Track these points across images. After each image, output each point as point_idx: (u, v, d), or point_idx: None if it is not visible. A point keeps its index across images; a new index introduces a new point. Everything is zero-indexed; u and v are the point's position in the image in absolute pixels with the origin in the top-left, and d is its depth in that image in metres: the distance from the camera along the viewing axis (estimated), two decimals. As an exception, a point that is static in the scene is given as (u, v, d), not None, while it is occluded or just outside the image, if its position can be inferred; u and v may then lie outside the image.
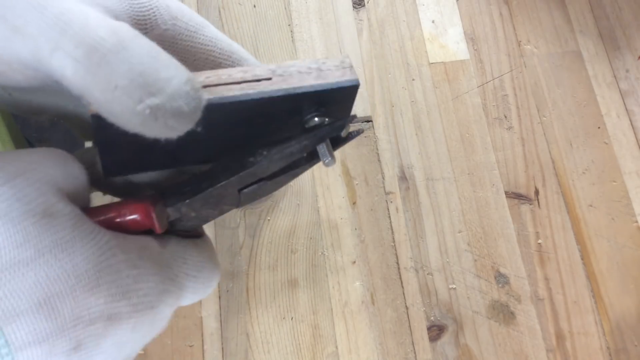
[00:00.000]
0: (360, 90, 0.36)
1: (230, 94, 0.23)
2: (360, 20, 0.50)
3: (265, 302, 0.41)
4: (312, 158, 0.26)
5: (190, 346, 0.40)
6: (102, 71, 0.17)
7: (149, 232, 0.22)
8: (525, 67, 0.49)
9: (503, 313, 0.42)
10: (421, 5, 0.51)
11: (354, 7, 0.50)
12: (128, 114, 0.18)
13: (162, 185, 0.25)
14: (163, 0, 0.23)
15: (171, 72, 0.18)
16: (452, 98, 0.48)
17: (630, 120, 0.48)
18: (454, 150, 0.46)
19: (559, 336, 0.41)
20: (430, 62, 0.49)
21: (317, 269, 0.42)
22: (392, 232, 0.43)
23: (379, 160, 0.45)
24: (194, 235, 0.25)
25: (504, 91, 0.48)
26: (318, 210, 0.44)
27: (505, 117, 0.47)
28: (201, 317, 0.41)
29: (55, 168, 0.19)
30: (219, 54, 0.25)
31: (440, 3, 0.51)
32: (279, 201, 0.44)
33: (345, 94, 0.25)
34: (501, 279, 0.43)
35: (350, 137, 0.26)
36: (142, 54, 0.18)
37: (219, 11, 0.50)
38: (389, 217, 0.44)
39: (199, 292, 0.23)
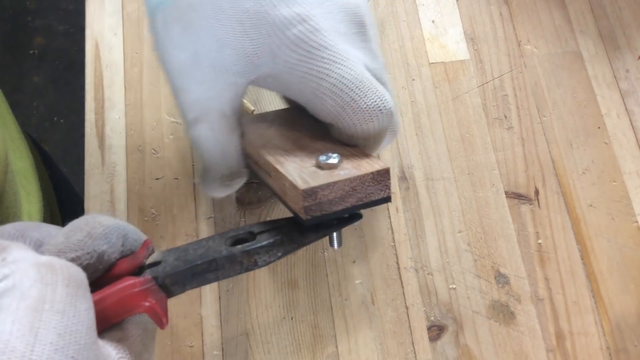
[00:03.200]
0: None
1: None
2: (360, 20, 0.49)
3: (265, 302, 0.41)
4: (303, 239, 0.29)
5: (190, 346, 0.40)
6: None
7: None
8: (525, 67, 0.49)
9: (503, 313, 0.42)
10: (421, 5, 0.51)
11: (354, 7, 0.50)
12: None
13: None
14: None
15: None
16: (452, 98, 0.48)
17: (630, 120, 0.48)
18: (454, 150, 0.46)
19: (559, 336, 0.41)
20: (430, 62, 0.49)
21: (317, 269, 0.42)
22: (392, 232, 0.43)
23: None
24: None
25: (504, 91, 0.48)
26: (318, 210, 0.44)
27: (505, 117, 0.47)
28: (201, 317, 0.41)
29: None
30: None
31: (440, 3, 0.51)
32: (279, 201, 0.44)
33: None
34: (501, 279, 0.43)
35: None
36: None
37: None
38: (389, 217, 0.44)
39: None
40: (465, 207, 0.44)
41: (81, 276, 0.20)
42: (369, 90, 0.30)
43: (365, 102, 0.30)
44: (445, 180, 0.45)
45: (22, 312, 0.17)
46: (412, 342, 0.41)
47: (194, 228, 0.43)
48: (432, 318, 0.41)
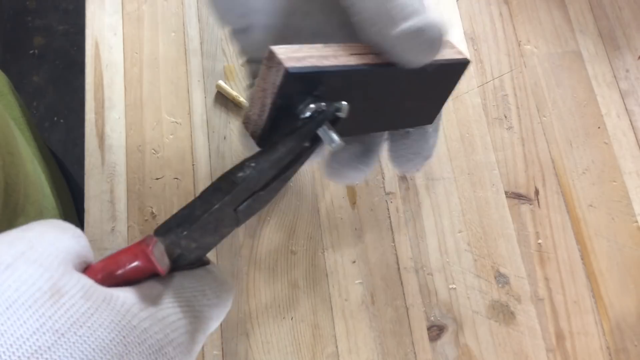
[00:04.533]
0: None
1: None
2: (360, 20, 0.49)
3: (265, 302, 0.41)
4: (300, 156, 0.25)
5: (190, 346, 0.40)
6: None
7: (156, 275, 0.21)
8: (525, 67, 0.49)
9: (503, 313, 0.42)
10: (421, 5, 0.51)
11: (354, 7, 0.50)
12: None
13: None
14: None
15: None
16: (452, 98, 0.48)
17: (630, 120, 0.48)
18: (454, 150, 0.46)
19: (559, 336, 0.41)
20: (430, 62, 0.49)
21: (317, 269, 0.42)
22: (392, 232, 0.43)
23: (379, 161, 0.45)
24: (201, 265, 0.24)
25: (504, 91, 0.48)
26: (318, 211, 0.44)
27: (505, 117, 0.47)
28: (201, 317, 0.41)
29: (55, 240, 0.19)
30: None
31: (440, 3, 0.51)
32: (279, 201, 0.44)
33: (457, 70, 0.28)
34: (501, 279, 0.43)
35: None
36: None
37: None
38: (389, 217, 0.44)
39: (221, 316, 0.22)
40: (465, 207, 0.44)
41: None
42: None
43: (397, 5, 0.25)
44: (445, 180, 0.45)
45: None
46: (412, 342, 0.41)
47: (194, 228, 0.43)
48: (432, 318, 0.41)
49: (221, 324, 0.41)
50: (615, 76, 0.49)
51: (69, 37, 1.49)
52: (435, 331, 0.41)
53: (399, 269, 0.43)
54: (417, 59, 0.25)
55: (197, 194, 0.24)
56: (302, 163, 0.25)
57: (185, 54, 0.48)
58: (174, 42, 0.49)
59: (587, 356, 0.41)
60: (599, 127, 0.47)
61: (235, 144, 0.46)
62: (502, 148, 0.46)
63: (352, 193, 0.44)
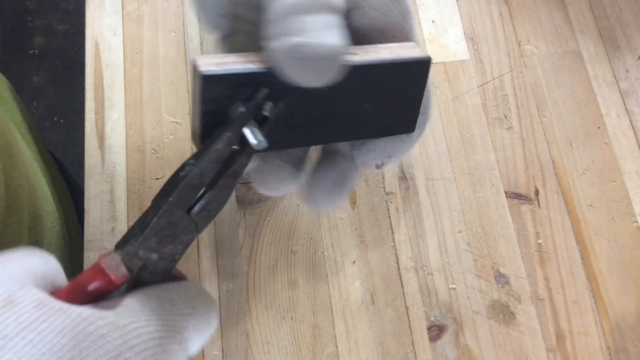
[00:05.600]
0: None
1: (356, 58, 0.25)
2: (360, 20, 0.49)
3: (265, 302, 0.41)
4: (245, 147, 0.25)
5: (190, 346, 0.40)
6: None
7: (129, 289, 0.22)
8: (525, 67, 0.49)
9: (503, 313, 0.42)
10: (421, 5, 0.51)
11: (354, 7, 0.50)
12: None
13: None
14: None
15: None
16: (452, 98, 0.48)
17: (630, 120, 0.48)
18: (454, 150, 0.46)
19: (559, 336, 0.41)
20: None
21: (317, 269, 0.42)
22: (392, 232, 0.43)
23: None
24: (173, 280, 0.24)
25: (504, 91, 0.48)
26: (318, 210, 0.44)
27: (505, 117, 0.47)
28: (201, 317, 0.41)
29: (19, 261, 0.20)
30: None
31: (440, 3, 0.51)
32: (279, 201, 0.44)
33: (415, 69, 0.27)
34: (501, 279, 0.43)
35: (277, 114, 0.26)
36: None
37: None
38: (389, 217, 0.44)
39: (202, 328, 0.22)
40: (465, 207, 0.44)
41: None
42: None
43: None
44: (445, 180, 0.45)
45: None
46: (412, 342, 0.41)
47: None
48: (432, 318, 0.41)
49: (221, 324, 0.41)
50: (615, 76, 0.49)
51: (69, 37, 1.49)
52: (435, 331, 0.41)
53: (399, 269, 0.43)
54: (300, 79, 0.24)
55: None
56: (247, 156, 0.26)
57: (185, 54, 0.48)
58: (174, 42, 0.49)
59: (587, 356, 0.41)
60: (599, 127, 0.47)
61: (235, 144, 0.46)
62: (502, 148, 0.46)
63: (352, 193, 0.44)
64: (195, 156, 0.24)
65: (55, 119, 1.40)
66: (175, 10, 0.49)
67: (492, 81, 0.49)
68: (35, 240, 0.45)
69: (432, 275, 0.42)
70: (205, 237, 0.43)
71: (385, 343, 0.41)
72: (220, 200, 0.25)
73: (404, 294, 0.42)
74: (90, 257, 0.42)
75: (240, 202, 0.44)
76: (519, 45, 0.50)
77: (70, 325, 0.18)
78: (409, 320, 0.41)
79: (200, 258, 0.42)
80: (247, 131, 0.25)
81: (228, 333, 0.40)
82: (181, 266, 0.42)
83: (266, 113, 0.25)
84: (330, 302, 0.41)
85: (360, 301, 0.42)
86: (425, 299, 0.42)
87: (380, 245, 0.43)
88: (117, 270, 0.22)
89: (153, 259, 0.23)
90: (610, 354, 0.41)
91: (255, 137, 0.25)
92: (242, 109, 0.25)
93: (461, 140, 0.47)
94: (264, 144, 0.25)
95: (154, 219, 0.23)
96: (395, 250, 0.43)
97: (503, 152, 0.46)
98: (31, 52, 1.47)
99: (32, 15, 1.51)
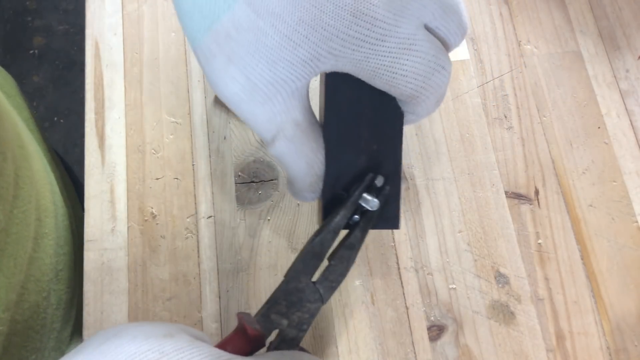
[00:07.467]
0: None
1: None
2: (360, 20, 0.49)
3: (265, 302, 0.41)
4: (358, 224, 0.31)
5: (190, 346, 0.40)
6: None
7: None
8: (525, 67, 0.49)
9: (503, 313, 0.42)
10: (421, 5, 0.51)
11: (354, 7, 0.50)
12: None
13: None
14: None
15: None
16: (452, 98, 0.48)
17: (630, 120, 0.48)
18: (454, 150, 0.46)
19: (559, 336, 0.41)
20: (430, 62, 0.49)
21: (317, 269, 0.42)
22: (392, 232, 0.43)
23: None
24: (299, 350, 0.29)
25: (504, 91, 0.48)
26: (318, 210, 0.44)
27: (505, 117, 0.47)
28: (201, 318, 0.41)
29: (178, 324, 0.27)
30: None
31: (440, 3, 0.51)
32: (279, 201, 0.44)
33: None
34: (501, 279, 0.43)
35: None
36: None
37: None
38: (389, 217, 0.44)
39: None
40: (465, 207, 0.44)
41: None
42: (439, 70, 0.28)
43: (436, 80, 0.29)
44: (445, 180, 0.45)
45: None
46: (412, 342, 0.41)
47: (194, 228, 0.43)
48: (432, 318, 0.41)
49: (221, 324, 0.41)
50: (615, 76, 0.49)
51: (69, 37, 1.49)
52: (435, 331, 0.41)
53: (399, 268, 0.43)
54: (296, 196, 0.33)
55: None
56: (364, 230, 0.31)
57: (185, 54, 0.48)
58: (174, 42, 0.49)
59: (587, 356, 0.41)
60: (599, 127, 0.47)
61: (235, 144, 0.46)
62: (502, 148, 0.46)
63: (352, 193, 0.44)
64: (316, 231, 0.30)
65: (55, 119, 1.40)
66: (175, 10, 0.49)
67: (492, 81, 0.49)
68: (44, 232, 0.45)
69: (432, 275, 0.42)
70: (206, 237, 0.43)
71: (385, 343, 0.41)
72: (340, 271, 0.30)
73: (404, 294, 0.42)
74: (90, 257, 0.42)
75: (240, 201, 0.44)
76: (519, 45, 0.50)
77: (210, 355, 0.24)
78: (409, 320, 0.41)
79: (200, 258, 0.42)
80: (362, 200, 0.31)
81: (228, 333, 0.40)
82: (181, 266, 0.42)
83: (376, 182, 0.32)
84: (330, 302, 0.41)
85: (360, 301, 0.42)
86: (425, 299, 0.42)
87: (380, 245, 0.43)
88: (252, 323, 0.27)
89: (284, 325, 0.27)
90: (610, 354, 0.41)
91: (367, 202, 0.31)
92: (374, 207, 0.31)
93: (461, 140, 0.47)
94: (375, 204, 0.31)
95: (282, 285, 0.28)
96: (395, 250, 0.43)
97: (503, 152, 0.46)
98: (31, 52, 1.47)
99: (32, 15, 1.51)
